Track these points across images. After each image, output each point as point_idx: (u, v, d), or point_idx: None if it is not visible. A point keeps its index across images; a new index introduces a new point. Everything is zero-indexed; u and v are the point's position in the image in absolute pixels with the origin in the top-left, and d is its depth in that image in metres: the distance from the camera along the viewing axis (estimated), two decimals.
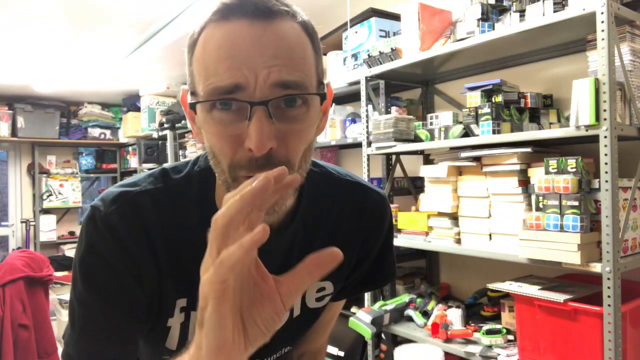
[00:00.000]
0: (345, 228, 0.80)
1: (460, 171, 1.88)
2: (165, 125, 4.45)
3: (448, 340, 1.86)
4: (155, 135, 4.73)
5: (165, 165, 0.75)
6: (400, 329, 2.05)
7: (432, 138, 1.98)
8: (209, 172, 0.67)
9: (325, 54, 2.81)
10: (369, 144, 2.21)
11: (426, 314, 2.10)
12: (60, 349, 3.19)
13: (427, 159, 2.31)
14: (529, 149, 1.64)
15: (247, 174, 0.57)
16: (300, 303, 0.81)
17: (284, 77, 0.56)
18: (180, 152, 4.45)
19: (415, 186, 2.38)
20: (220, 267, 0.43)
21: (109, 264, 0.65)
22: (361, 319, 2.01)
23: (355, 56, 2.45)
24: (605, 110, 1.37)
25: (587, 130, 1.42)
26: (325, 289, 0.82)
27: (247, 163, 0.57)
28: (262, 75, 0.55)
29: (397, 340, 2.22)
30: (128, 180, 0.72)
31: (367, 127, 2.23)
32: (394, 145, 2.04)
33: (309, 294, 0.82)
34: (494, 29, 1.76)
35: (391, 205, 2.20)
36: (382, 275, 0.90)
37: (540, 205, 1.53)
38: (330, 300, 0.86)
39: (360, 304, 2.43)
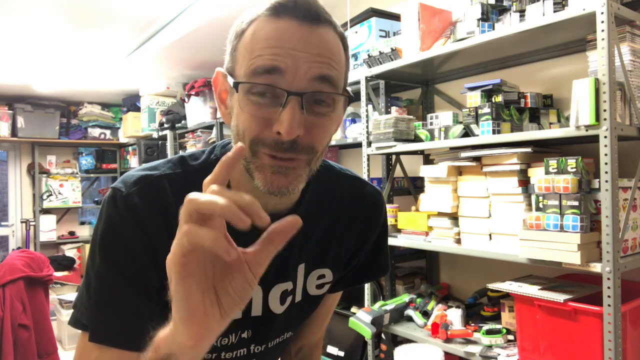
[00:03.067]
0: (345, 217, 0.85)
1: (460, 171, 1.88)
2: (165, 125, 4.45)
3: (448, 340, 1.86)
4: (155, 135, 4.73)
5: (182, 153, 0.79)
6: (400, 329, 2.05)
7: (432, 138, 1.98)
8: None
9: None
10: (369, 144, 2.21)
11: (426, 314, 2.10)
12: (60, 349, 3.19)
13: (427, 159, 2.31)
14: (529, 149, 1.64)
15: (270, 153, 0.63)
16: (302, 290, 0.84)
17: (324, 72, 0.63)
18: (180, 152, 4.45)
19: (415, 186, 2.38)
20: (180, 246, 0.47)
21: (127, 244, 0.68)
22: (361, 319, 2.01)
23: (355, 56, 2.45)
24: (605, 110, 1.37)
25: (587, 130, 1.42)
26: (325, 276, 0.86)
27: (272, 143, 0.63)
28: (304, 68, 0.61)
29: (397, 340, 2.22)
30: (148, 164, 0.75)
31: (367, 127, 2.23)
32: (394, 145, 2.04)
33: (309, 281, 0.85)
34: (494, 29, 1.76)
35: (391, 205, 2.21)
36: (377, 268, 0.96)
37: (540, 205, 1.53)
38: (327, 292, 0.90)
39: (360, 304, 2.43)
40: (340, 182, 0.86)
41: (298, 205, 0.78)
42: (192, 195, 0.46)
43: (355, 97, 2.56)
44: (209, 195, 0.46)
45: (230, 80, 0.65)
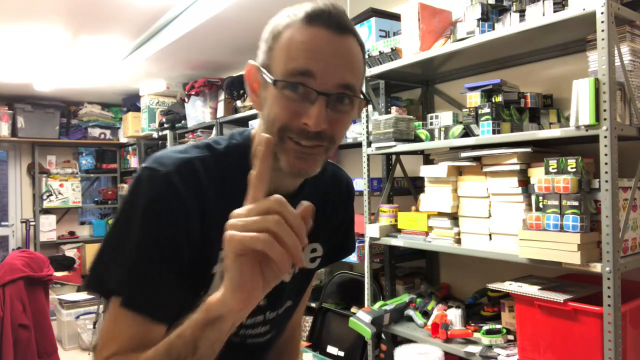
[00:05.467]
0: (330, 197, 0.99)
1: (460, 171, 1.88)
2: (165, 125, 4.45)
3: (448, 340, 1.86)
4: (155, 135, 4.73)
5: (206, 139, 0.88)
6: (400, 329, 2.05)
7: (432, 138, 1.98)
8: (245, 144, 0.85)
9: None
10: (369, 144, 2.21)
11: (426, 314, 2.10)
12: (60, 349, 3.19)
13: (427, 159, 2.31)
14: (529, 149, 1.64)
15: (295, 139, 0.75)
16: None
17: (348, 80, 0.74)
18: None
19: (415, 186, 2.38)
20: (242, 242, 0.59)
21: (168, 220, 0.74)
22: (361, 319, 2.01)
23: None
24: (605, 110, 1.37)
25: (587, 130, 1.42)
26: (316, 250, 0.96)
27: (299, 131, 0.74)
28: (332, 73, 0.73)
29: (397, 340, 2.22)
30: (175, 148, 0.82)
31: (367, 127, 2.23)
32: (394, 145, 2.04)
33: (305, 254, 0.91)
34: (494, 29, 1.76)
35: (391, 205, 2.21)
36: (350, 246, 1.11)
37: (540, 205, 1.53)
38: (316, 269, 1.01)
39: (360, 304, 2.43)
40: (325, 167, 0.95)
41: (303, 185, 0.88)
42: (252, 173, 0.63)
43: None
44: (266, 237, 0.58)
45: (268, 76, 0.75)
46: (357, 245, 2.43)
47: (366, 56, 0.81)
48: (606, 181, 1.37)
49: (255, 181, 0.64)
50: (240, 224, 0.60)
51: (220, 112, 3.82)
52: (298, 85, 0.73)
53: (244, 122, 3.58)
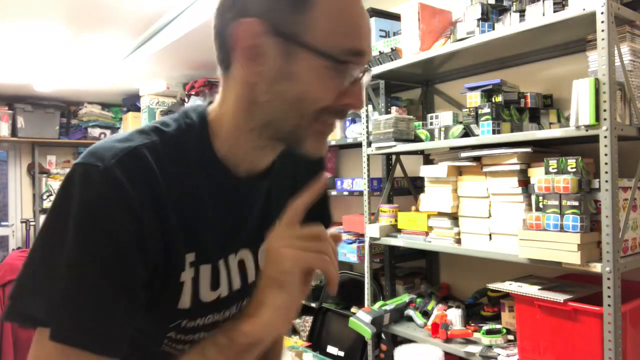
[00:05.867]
0: (300, 171, 0.86)
1: (460, 171, 1.88)
2: None
3: (448, 340, 1.86)
4: None
5: (152, 122, 0.73)
6: (400, 329, 2.05)
7: (432, 138, 1.98)
8: (202, 124, 0.71)
9: None
10: (369, 144, 2.21)
11: (426, 314, 2.10)
12: None
13: (427, 159, 2.31)
14: (529, 149, 1.64)
15: (332, 119, 0.68)
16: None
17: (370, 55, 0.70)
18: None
19: (415, 186, 2.38)
20: (308, 261, 0.62)
21: (111, 228, 0.60)
22: (361, 319, 2.01)
23: None
24: (605, 110, 1.37)
25: (587, 130, 1.42)
26: None
27: (337, 111, 0.67)
28: (370, 52, 0.68)
29: (397, 340, 2.22)
30: (116, 136, 0.66)
31: (367, 127, 2.23)
32: (394, 145, 2.04)
33: None
34: (494, 29, 1.76)
35: (391, 205, 2.21)
36: (327, 219, 0.99)
37: (540, 205, 1.53)
38: None
39: (360, 304, 2.43)
40: None
41: (273, 163, 0.78)
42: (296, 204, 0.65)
43: None
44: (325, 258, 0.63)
45: (317, 50, 0.62)
46: (357, 245, 2.44)
47: None
48: (606, 181, 1.37)
49: (300, 206, 0.65)
50: (300, 244, 0.62)
51: None
52: (354, 66, 0.65)
53: None
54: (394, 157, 2.33)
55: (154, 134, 0.68)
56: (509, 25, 1.71)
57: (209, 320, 0.75)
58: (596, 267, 1.40)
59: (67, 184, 0.61)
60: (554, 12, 1.54)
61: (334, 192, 2.63)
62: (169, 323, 0.72)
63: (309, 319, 2.89)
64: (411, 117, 2.13)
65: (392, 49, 2.13)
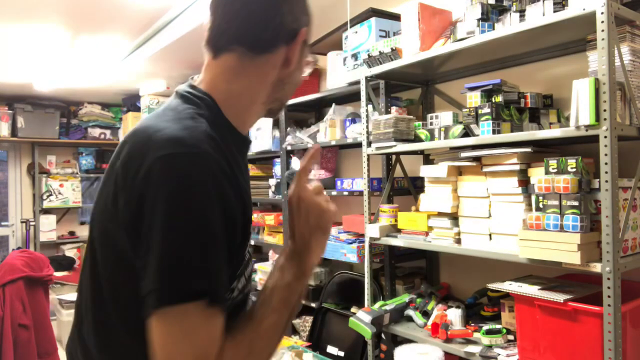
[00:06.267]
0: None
1: (460, 171, 1.88)
2: None
3: (448, 340, 1.86)
4: None
5: (174, 110, 0.80)
6: (400, 329, 2.06)
7: (432, 138, 1.98)
8: (211, 103, 0.81)
9: (325, 54, 2.81)
10: (369, 144, 2.21)
11: (426, 314, 2.10)
12: (60, 349, 3.19)
13: (427, 159, 2.31)
14: (529, 149, 1.64)
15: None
16: None
17: None
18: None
19: (415, 186, 2.38)
20: (329, 213, 0.84)
21: (222, 201, 0.69)
22: (361, 319, 2.01)
23: (355, 56, 2.45)
24: (605, 110, 1.37)
25: (587, 130, 1.42)
26: None
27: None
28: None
29: (397, 340, 2.22)
30: (172, 124, 0.73)
31: (367, 127, 2.23)
32: (394, 145, 2.04)
33: None
34: (494, 29, 1.76)
35: (391, 205, 2.21)
36: None
37: (540, 205, 1.53)
38: None
39: (360, 304, 2.43)
40: None
41: None
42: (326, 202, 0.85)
43: (355, 97, 2.57)
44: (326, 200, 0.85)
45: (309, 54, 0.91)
46: (357, 245, 2.43)
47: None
48: (606, 181, 1.37)
49: (305, 170, 0.83)
50: (326, 198, 0.84)
51: None
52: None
53: None
54: (394, 157, 2.33)
55: (202, 118, 0.76)
56: (509, 25, 1.71)
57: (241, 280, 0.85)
58: (596, 267, 1.40)
59: (169, 171, 0.66)
60: (554, 12, 1.54)
61: (334, 192, 2.63)
62: (231, 283, 0.80)
63: (309, 319, 2.89)
64: (411, 117, 2.13)
65: (392, 49, 2.13)
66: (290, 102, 2.38)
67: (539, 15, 1.59)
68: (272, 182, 3.20)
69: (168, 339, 0.65)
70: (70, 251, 5.54)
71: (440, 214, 1.95)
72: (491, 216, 1.76)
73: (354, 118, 2.61)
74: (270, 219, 3.19)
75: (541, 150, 1.71)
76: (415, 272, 2.55)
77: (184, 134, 0.70)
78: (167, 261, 0.65)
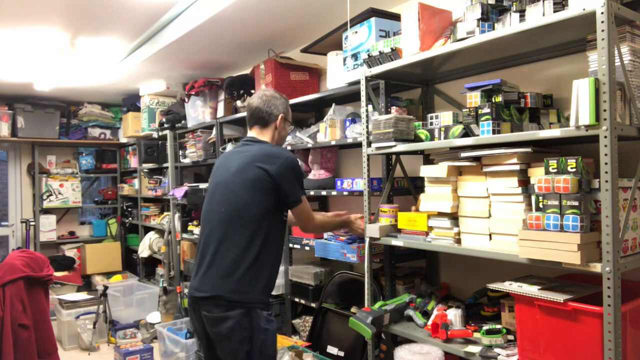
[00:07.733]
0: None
1: (460, 171, 1.88)
2: (165, 125, 4.45)
3: (448, 340, 1.86)
4: (155, 135, 4.73)
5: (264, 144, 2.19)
6: (400, 329, 2.06)
7: (432, 138, 1.98)
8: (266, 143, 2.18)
9: (325, 54, 2.81)
10: (369, 144, 2.21)
11: (426, 314, 2.11)
12: (60, 349, 3.19)
13: (427, 159, 2.31)
14: (529, 149, 1.64)
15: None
16: None
17: None
18: (180, 152, 4.45)
19: (415, 186, 2.38)
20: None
21: (300, 170, 2.10)
22: (361, 319, 2.02)
23: (355, 56, 2.45)
24: (605, 110, 1.37)
25: (587, 130, 1.42)
26: None
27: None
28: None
29: (397, 340, 2.22)
30: (276, 149, 2.10)
31: (367, 127, 2.23)
32: (394, 145, 2.04)
33: None
34: (494, 29, 1.76)
35: (391, 205, 2.21)
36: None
37: (540, 205, 1.53)
38: None
39: (360, 304, 2.43)
40: None
41: None
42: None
43: (355, 97, 2.57)
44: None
45: (289, 121, 2.26)
46: (357, 245, 2.43)
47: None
48: (606, 181, 1.37)
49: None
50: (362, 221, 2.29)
51: (220, 112, 3.82)
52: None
53: (243, 122, 3.58)
54: (394, 157, 2.33)
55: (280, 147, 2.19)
56: (509, 25, 1.71)
57: None
58: (596, 267, 1.40)
59: (288, 158, 2.01)
60: (554, 12, 1.54)
61: (333, 192, 2.63)
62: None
63: (309, 319, 2.89)
64: (411, 117, 2.13)
65: (392, 49, 2.13)
66: (291, 102, 2.43)
67: (539, 15, 1.59)
68: None
69: (304, 206, 2.07)
70: (70, 251, 5.54)
71: (440, 214, 1.95)
72: (491, 216, 1.76)
73: (354, 118, 2.62)
74: None
75: (541, 150, 1.71)
76: (415, 272, 2.55)
77: (285, 150, 2.09)
78: (294, 185, 2.01)
